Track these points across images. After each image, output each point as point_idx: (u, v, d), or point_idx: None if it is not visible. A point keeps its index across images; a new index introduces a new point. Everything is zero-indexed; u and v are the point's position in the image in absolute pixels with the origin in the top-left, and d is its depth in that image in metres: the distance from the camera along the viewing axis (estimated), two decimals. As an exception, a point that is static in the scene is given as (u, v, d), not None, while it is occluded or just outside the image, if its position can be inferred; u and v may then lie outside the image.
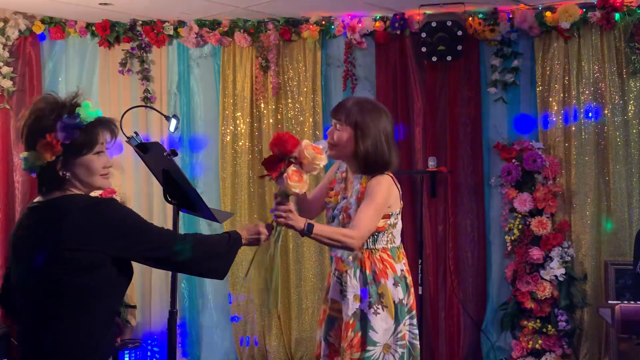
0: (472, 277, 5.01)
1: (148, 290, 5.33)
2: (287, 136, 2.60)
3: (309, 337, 5.10)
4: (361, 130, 2.89)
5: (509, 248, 4.84)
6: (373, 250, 2.92)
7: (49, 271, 1.99)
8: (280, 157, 2.60)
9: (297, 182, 2.58)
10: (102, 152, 2.10)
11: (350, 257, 2.94)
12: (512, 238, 4.80)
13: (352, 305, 2.89)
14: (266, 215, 5.26)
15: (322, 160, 2.62)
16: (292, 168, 2.59)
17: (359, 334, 2.86)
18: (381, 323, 2.86)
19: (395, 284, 2.90)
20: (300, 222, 2.65)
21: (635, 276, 4.07)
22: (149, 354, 5.28)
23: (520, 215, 4.78)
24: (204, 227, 5.28)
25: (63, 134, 2.00)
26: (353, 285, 2.91)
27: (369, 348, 2.83)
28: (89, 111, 2.05)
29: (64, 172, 2.03)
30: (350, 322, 2.88)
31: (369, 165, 2.92)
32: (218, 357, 5.28)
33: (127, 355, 5.05)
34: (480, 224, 4.99)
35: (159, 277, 5.26)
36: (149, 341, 5.30)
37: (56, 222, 2.01)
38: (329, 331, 3.01)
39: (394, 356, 2.87)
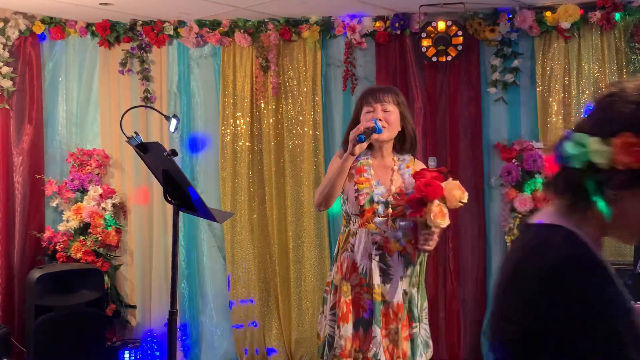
0: (472, 277, 5.01)
1: (148, 290, 5.33)
2: (439, 186, 2.75)
3: (309, 337, 5.10)
4: (405, 109, 3.12)
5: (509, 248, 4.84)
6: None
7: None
8: (424, 200, 2.76)
9: (442, 218, 2.79)
10: None
11: (404, 236, 3.08)
12: (512, 238, 4.80)
13: (399, 287, 3.04)
14: (266, 214, 5.27)
15: (465, 199, 2.82)
16: (436, 206, 2.76)
17: (406, 312, 3.05)
18: (419, 300, 3.11)
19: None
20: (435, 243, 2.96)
21: (636, 276, 4.07)
22: (149, 353, 5.28)
23: (520, 215, 4.78)
24: (204, 227, 5.29)
25: None
26: (397, 268, 3.06)
27: (414, 325, 3.04)
28: None
29: (615, 194, 1.28)
30: (401, 303, 3.03)
31: (413, 143, 3.15)
32: (218, 357, 5.28)
33: (127, 355, 5.05)
34: (480, 224, 4.99)
35: (159, 277, 5.26)
36: (149, 341, 5.30)
37: (517, 265, 1.36)
38: (377, 317, 3.04)
39: (426, 330, 3.10)
